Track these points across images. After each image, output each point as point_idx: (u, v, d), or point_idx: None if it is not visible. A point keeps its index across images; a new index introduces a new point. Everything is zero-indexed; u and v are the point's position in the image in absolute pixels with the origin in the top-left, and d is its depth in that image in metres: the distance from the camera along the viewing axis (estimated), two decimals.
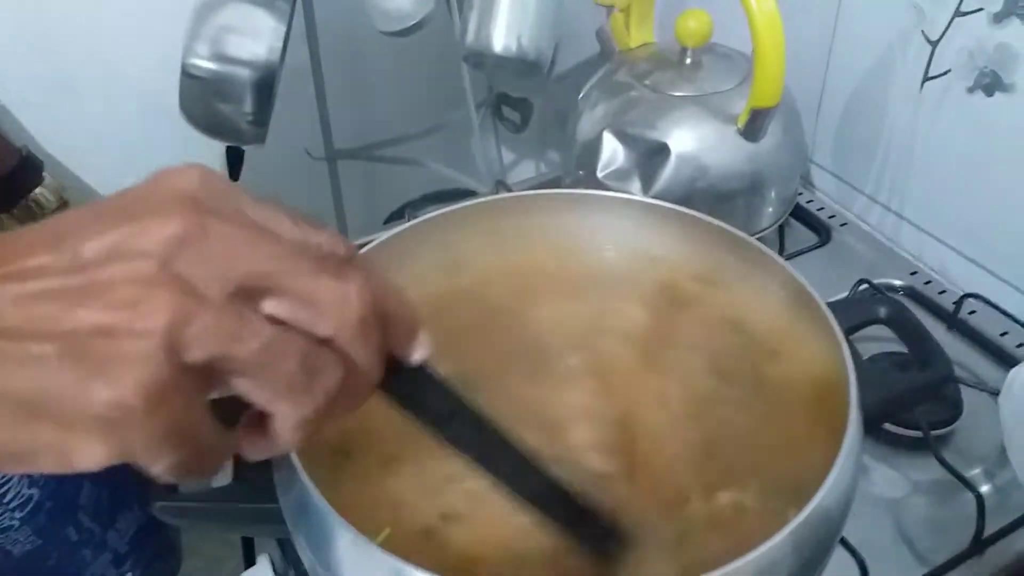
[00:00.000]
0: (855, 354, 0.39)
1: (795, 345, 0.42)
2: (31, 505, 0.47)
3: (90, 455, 0.22)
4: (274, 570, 0.49)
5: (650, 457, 0.39)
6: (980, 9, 0.61)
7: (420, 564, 0.31)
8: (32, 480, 0.48)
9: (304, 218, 0.25)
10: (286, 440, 0.24)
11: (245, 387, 0.23)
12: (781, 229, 0.70)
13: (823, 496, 0.33)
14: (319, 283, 0.23)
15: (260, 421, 0.24)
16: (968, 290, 0.65)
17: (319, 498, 0.34)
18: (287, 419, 0.24)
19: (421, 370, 0.27)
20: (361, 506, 0.37)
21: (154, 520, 0.55)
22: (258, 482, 0.38)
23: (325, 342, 0.24)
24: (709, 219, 0.45)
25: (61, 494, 0.49)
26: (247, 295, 0.23)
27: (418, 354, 0.27)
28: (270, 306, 0.23)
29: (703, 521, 0.36)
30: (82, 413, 0.21)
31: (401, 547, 0.32)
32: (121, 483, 0.53)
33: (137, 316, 0.21)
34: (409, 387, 0.27)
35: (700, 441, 0.39)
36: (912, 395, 0.42)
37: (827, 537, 0.35)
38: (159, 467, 0.23)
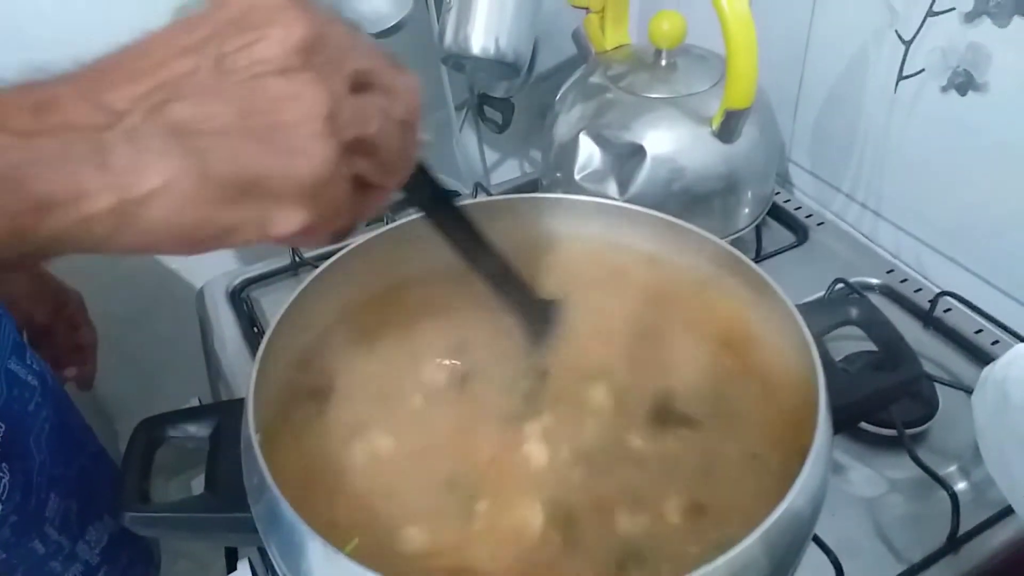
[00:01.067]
0: (825, 357, 0.39)
1: (766, 348, 0.42)
2: None
3: (289, 222, 0.28)
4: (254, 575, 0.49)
5: (617, 460, 0.39)
6: (952, 9, 0.61)
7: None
8: None
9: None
10: (384, 204, 0.32)
11: (365, 166, 0.29)
12: (758, 229, 0.71)
13: (793, 497, 0.33)
14: (398, 76, 0.30)
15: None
16: (945, 288, 0.65)
17: (288, 508, 0.33)
18: (388, 190, 0.32)
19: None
20: (332, 516, 0.37)
21: (128, 530, 0.55)
22: (230, 491, 0.38)
23: (403, 121, 0.30)
24: (681, 223, 0.45)
25: (25, 508, 0.48)
26: (356, 87, 0.28)
27: None
28: (370, 95, 0.29)
29: (675, 526, 0.36)
30: (287, 187, 0.27)
31: (372, 558, 0.32)
32: (91, 494, 0.52)
33: (305, 107, 0.26)
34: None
35: (671, 445, 0.39)
36: (882, 396, 0.43)
37: (799, 537, 0.35)
38: (329, 230, 0.30)
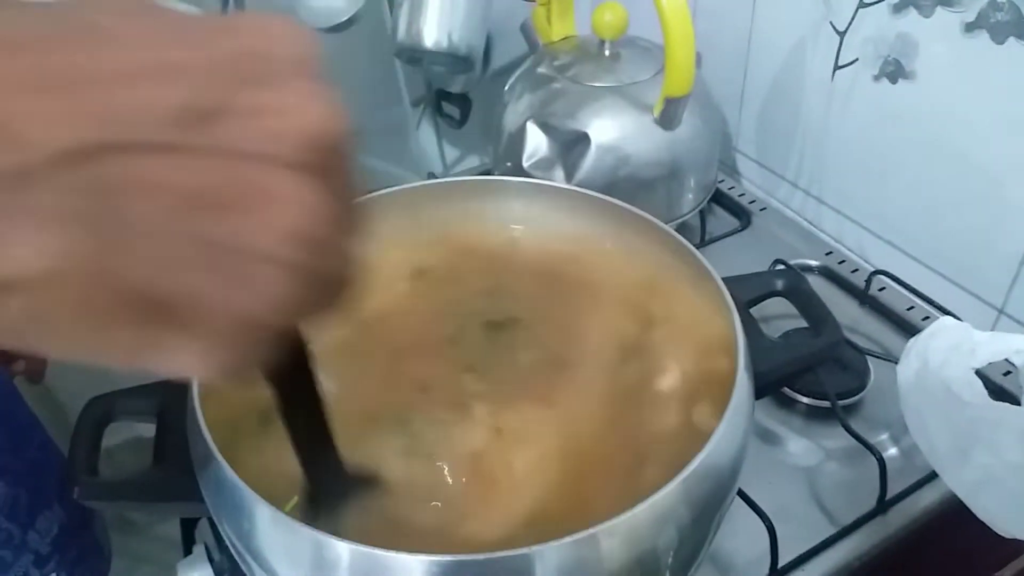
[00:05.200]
0: (748, 323, 0.41)
1: (694, 315, 0.44)
2: None
3: (189, 362, 0.20)
4: (209, 558, 0.49)
5: (547, 419, 0.41)
6: (881, 0, 0.64)
7: (335, 533, 0.32)
8: None
9: None
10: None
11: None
12: (703, 215, 0.73)
13: (712, 447, 0.35)
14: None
15: None
16: (884, 268, 0.68)
17: (230, 471, 0.35)
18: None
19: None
20: (277, 478, 0.38)
21: (77, 520, 0.56)
22: (177, 465, 0.39)
23: None
24: (610, 199, 0.47)
25: None
26: None
27: None
28: None
29: (605, 479, 0.38)
30: (208, 321, 0.19)
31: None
32: (40, 485, 0.53)
33: (290, 223, 0.19)
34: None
35: (601, 406, 0.41)
36: (804, 360, 0.45)
37: (720, 488, 0.36)
38: (226, 371, 0.21)
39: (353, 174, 0.21)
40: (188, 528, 0.53)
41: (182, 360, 0.20)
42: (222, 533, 0.38)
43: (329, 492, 0.33)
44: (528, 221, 0.50)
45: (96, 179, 0.17)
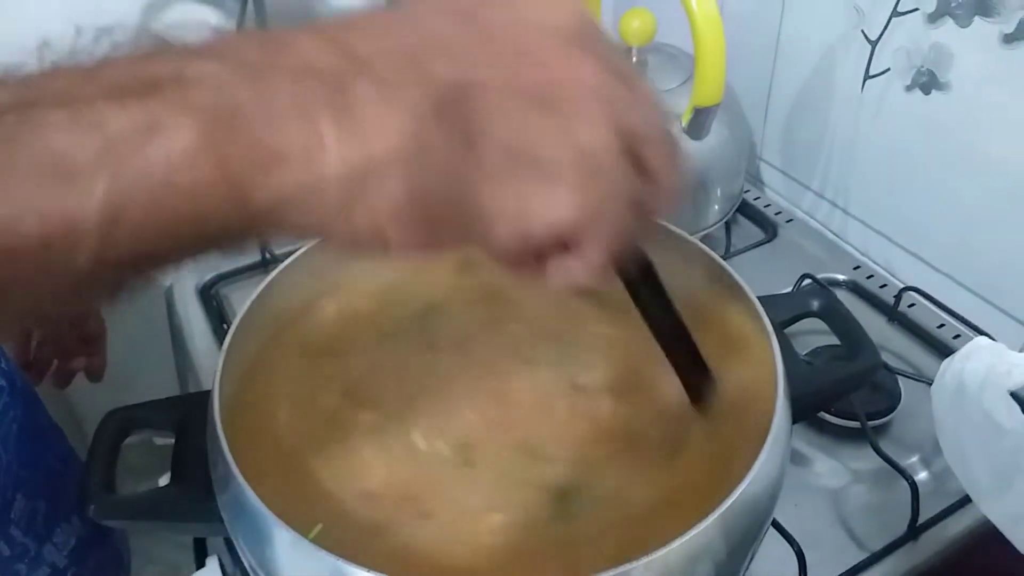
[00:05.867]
0: (785, 347, 0.40)
1: (727, 337, 0.42)
2: None
3: (556, 207, 0.24)
4: (223, 572, 0.48)
5: (580, 445, 0.39)
6: (916, 9, 0.62)
7: (355, 560, 0.31)
8: None
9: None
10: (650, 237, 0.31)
11: (634, 180, 0.26)
12: (728, 226, 0.71)
13: (750, 481, 0.34)
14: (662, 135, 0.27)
15: None
16: (911, 284, 0.66)
17: (253, 496, 0.34)
18: (657, 218, 0.29)
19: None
20: (299, 502, 0.37)
21: (96, 532, 0.55)
22: (196, 482, 0.38)
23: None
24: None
25: None
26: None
27: None
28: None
29: (634, 511, 0.37)
30: (562, 156, 0.23)
31: (338, 544, 0.32)
32: (59, 496, 0.52)
33: (586, 89, 0.23)
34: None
35: (632, 429, 0.40)
36: (841, 385, 0.43)
37: (756, 522, 0.35)
38: (600, 239, 0.25)
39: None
40: (200, 540, 0.52)
41: (552, 207, 0.24)
42: (240, 555, 0.37)
43: (699, 381, 0.39)
44: None
45: (430, 78, 0.22)
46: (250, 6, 0.76)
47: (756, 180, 0.83)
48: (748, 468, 0.34)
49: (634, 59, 0.67)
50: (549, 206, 0.23)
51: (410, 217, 0.22)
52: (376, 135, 0.21)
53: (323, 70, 0.21)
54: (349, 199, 0.22)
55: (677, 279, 0.45)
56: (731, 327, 0.42)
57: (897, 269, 0.71)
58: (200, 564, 0.50)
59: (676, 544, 0.31)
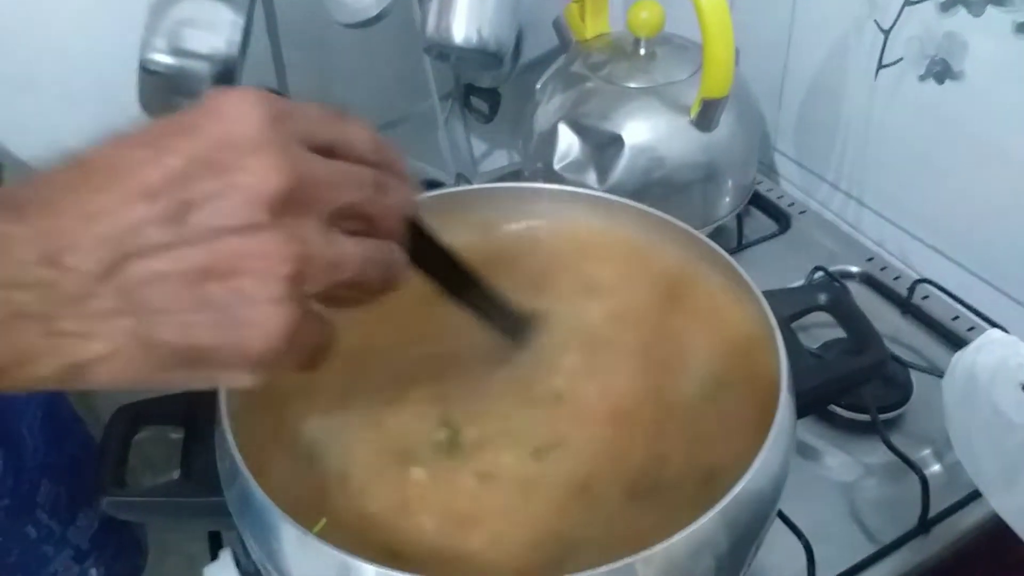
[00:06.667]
0: (791, 341, 0.40)
1: (733, 331, 0.42)
2: None
3: (239, 382, 0.27)
4: (237, 564, 0.49)
5: (592, 431, 0.40)
6: None
7: (361, 554, 0.32)
8: None
9: (343, 115, 0.29)
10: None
11: (342, 295, 0.28)
12: (740, 218, 0.71)
13: (752, 475, 0.34)
14: (381, 202, 0.29)
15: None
16: (927, 275, 0.66)
17: (258, 490, 0.34)
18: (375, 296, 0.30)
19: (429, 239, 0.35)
20: (306, 496, 0.37)
21: (116, 518, 0.56)
22: (205, 476, 0.39)
23: (389, 236, 0.30)
24: (651, 210, 0.45)
25: (18, 492, 0.49)
26: (333, 222, 0.27)
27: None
28: (349, 224, 0.28)
29: (638, 501, 0.37)
30: (239, 360, 0.26)
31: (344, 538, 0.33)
32: (80, 481, 0.53)
33: (266, 271, 0.25)
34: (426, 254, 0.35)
35: (640, 421, 0.40)
36: (847, 379, 0.43)
37: (759, 515, 0.35)
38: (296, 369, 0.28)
39: (335, 192, 0.27)
40: (215, 533, 0.53)
41: (235, 383, 0.27)
42: (249, 549, 0.37)
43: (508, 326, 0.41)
44: (559, 229, 0.49)
45: (125, 281, 0.24)
46: (259, 1, 0.76)
47: (771, 171, 0.82)
48: (751, 461, 0.34)
49: (642, 51, 0.66)
50: (230, 383, 0.28)
51: (120, 388, 0.26)
52: (76, 346, 0.25)
53: (32, 283, 0.24)
54: (62, 384, 0.25)
55: (683, 275, 0.46)
56: (737, 321, 0.42)
57: (913, 260, 0.71)
58: (215, 556, 0.51)
59: (678, 537, 0.31)
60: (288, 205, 0.25)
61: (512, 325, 0.42)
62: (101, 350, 0.25)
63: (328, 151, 0.28)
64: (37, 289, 0.24)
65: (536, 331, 0.43)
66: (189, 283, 0.25)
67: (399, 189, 0.30)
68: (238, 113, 0.25)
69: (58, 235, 0.24)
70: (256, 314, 0.25)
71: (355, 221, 0.28)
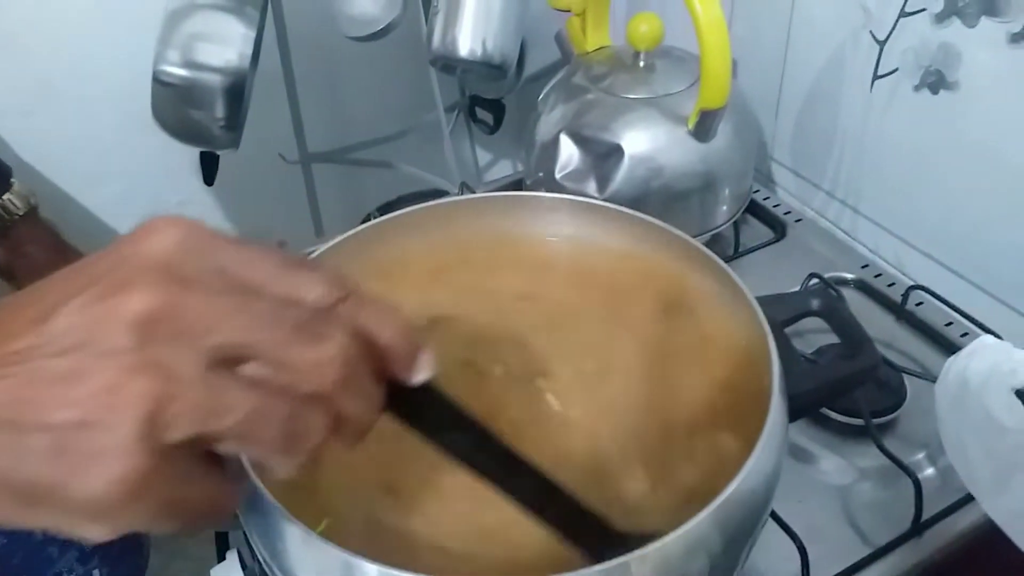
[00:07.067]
0: (783, 345, 0.41)
1: (728, 336, 0.43)
2: None
3: (93, 534, 0.23)
4: (243, 565, 0.50)
5: (586, 434, 0.40)
6: (923, 9, 0.63)
7: (367, 554, 0.33)
8: None
9: (294, 261, 0.25)
10: (285, 475, 0.26)
11: (233, 449, 0.24)
12: (737, 226, 0.72)
13: (745, 475, 0.34)
14: (295, 351, 0.24)
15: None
16: (921, 282, 0.67)
17: (263, 489, 0.35)
18: (281, 467, 0.25)
19: (424, 388, 0.27)
20: (310, 496, 0.38)
21: None
22: None
23: (311, 396, 0.24)
24: (648, 218, 0.46)
25: None
26: (225, 363, 0.23)
27: (420, 376, 0.27)
28: (249, 369, 0.23)
29: (636, 500, 0.38)
30: (73, 503, 0.22)
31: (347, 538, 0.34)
32: None
33: (113, 409, 0.21)
34: (413, 404, 0.27)
35: (635, 423, 0.41)
36: (840, 383, 0.44)
37: (752, 515, 0.36)
38: (166, 531, 0.24)
39: (223, 323, 0.23)
40: (222, 534, 0.54)
41: (85, 534, 0.24)
42: (254, 549, 0.38)
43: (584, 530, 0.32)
44: (559, 236, 0.50)
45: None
46: (270, 15, 0.78)
47: (768, 180, 0.83)
48: (743, 462, 0.35)
49: (642, 63, 0.68)
50: (80, 533, 0.24)
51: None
52: None
53: None
54: None
55: (679, 281, 0.47)
56: (731, 326, 0.43)
57: (908, 267, 0.72)
58: (221, 558, 0.52)
59: (672, 537, 0.32)
60: (157, 330, 0.22)
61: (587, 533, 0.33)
62: None
63: (251, 291, 0.24)
64: None
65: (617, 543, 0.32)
66: (34, 401, 0.22)
67: (337, 343, 0.24)
68: (154, 239, 0.23)
69: None
70: (100, 452, 0.22)
71: (263, 367, 0.23)
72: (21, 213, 0.68)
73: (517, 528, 0.37)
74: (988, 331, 0.59)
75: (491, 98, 0.99)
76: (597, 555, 0.32)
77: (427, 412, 0.28)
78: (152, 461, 0.22)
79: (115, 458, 0.22)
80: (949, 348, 0.62)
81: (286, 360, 0.24)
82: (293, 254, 0.26)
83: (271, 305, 0.24)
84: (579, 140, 0.66)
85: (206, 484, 0.24)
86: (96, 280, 0.23)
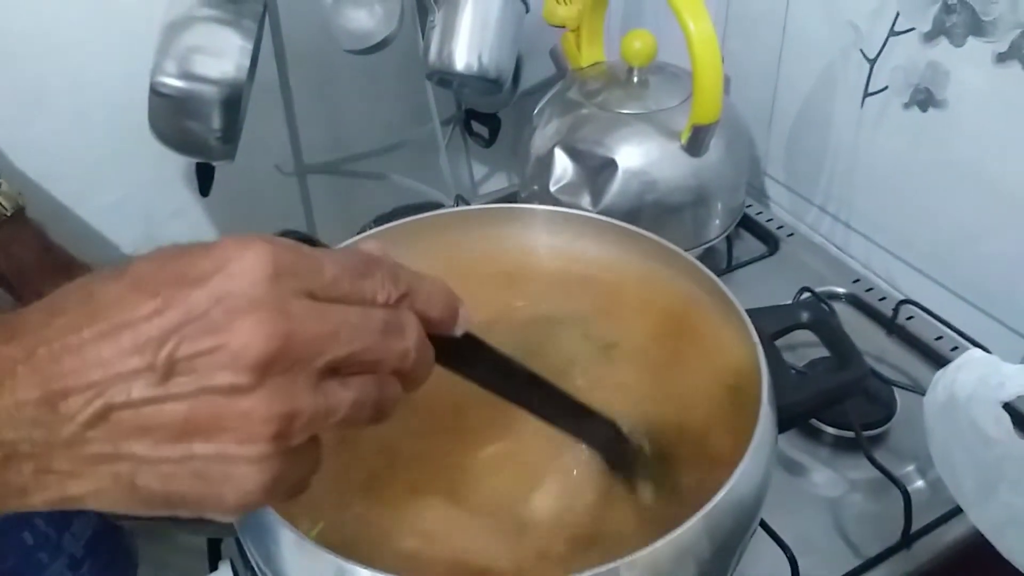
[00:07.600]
0: (773, 356, 0.41)
1: (719, 347, 0.44)
2: None
3: (225, 520, 0.28)
4: (235, 574, 0.50)
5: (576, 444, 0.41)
6: (912, 29, 0.64)
7: (358, 559, 0.33)
8: None
9: (358, 266, 0.28)
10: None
11: (335, 432, 0.28)
12: (729, 240, 0.73)
13: (734, 483, 0.35)
14: (383, 348, 0.28)
15: None
16: (911, 296, 0.67)
17: None
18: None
19: (467, 338, 0.33)
20: (305, 501, 0.38)
21: (110, 525, 0.57)
22: None
23: (393, 372, 0.29)
24: (641, 231, 0.47)
25: None
26: (330, 374, 0.27)
27: (461, 328, 0.32)
28: (349, 370, 0.27)
29: (630, 504, 0.38)
30: (218, 509, 0.27)
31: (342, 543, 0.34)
32: None
33: (247, 432, 0.25)
34: (455, 351, 0.33)
35: (626, 432, 0.41)
36: (829, 394, 0.45)
37: (741, 523, 0.36)
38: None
39: (327, 344, 0.26)
40: (215, 543, 0.54)
41: (219, 520, 0.27)
42: (248, 554, 0.39)
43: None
44: (553, 248, 0.51)
45: (112, 431, 0.25)
46: (267, 28, 0.78)
47: (761, 194, 0.84)
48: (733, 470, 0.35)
49: (635, 79, 0.69)
50: (214, 519, 0.27)
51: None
52: (66, 484, 0.26)
53: (31, 422, 0.25)
54: (54, 508, 0.27)
55: (670, 294, 0.47)
56: (722, 338, 0.44)
57: (899, 282, 0.72)
58: (213, 567, 0.52)
59: (661, 543, 0.33)
60: (274, 366, 0.25)
61: (590, 430, 0.39)
62: (88, 488, 0.26)
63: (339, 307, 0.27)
64: (33, 430, 0.25)
65: (623, 441, 0.40)
66: (172, 437, 0.25)
67: (413, 330, 0.29)
68: (240, 269, 0.26)
69: (59, 378, 0.25)
70: (236, 471, 0.26)
71: (355, 366, 0.28)
72: (8, 214, 0.67)
73: (507, 532, 0.37)
74: (977, 345, 0.60)
75: (487, 112, 1.00)
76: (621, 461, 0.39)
77: (468, 355, 0.33)
78: (281, 466, 0.26)
79: (250, 475, 0.26)
80: (939, 361, 0.62)
81: (380, 358, 0.28)
82: (351, 253, 0.29)
83: (358, 318, 0.27)
84: (573, 154, 0.67)
85: (314, 459, 0.28)
86: (202, 318, 0.25)
